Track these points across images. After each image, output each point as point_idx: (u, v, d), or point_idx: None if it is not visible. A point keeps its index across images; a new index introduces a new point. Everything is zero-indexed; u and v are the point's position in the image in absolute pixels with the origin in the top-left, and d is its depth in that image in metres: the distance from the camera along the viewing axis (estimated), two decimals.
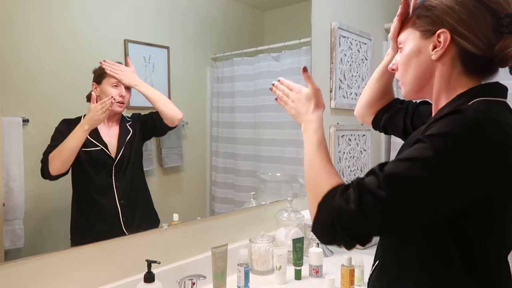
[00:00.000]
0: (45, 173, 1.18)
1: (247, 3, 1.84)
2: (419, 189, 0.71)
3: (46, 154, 1.19)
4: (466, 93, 0.83)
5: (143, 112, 1.44)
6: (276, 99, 1.13)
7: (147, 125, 1.44)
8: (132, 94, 1.39)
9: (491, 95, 0.82)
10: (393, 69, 0.99)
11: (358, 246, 0.77)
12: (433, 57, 0.86)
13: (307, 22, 2.09)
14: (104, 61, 1.30)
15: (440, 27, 0.84)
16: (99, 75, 1.30)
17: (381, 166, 0.77)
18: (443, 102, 0.88)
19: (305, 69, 1.04)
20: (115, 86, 1.33)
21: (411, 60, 0.90)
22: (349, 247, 0.78)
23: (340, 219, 0.75)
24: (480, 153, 0.72)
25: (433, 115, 0.92)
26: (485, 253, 0.79)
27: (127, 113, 1.41)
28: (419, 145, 0.74)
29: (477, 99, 0.80)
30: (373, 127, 1.25)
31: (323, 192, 0.81)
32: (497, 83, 0.85)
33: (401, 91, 0.97)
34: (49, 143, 1.19)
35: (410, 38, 0.90)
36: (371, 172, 0.77)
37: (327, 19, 2.20)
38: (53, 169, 1.20)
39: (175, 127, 1.47)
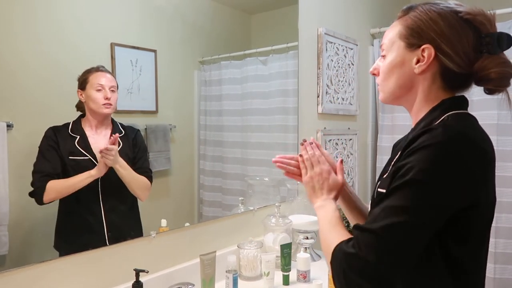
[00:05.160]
0: (38, 199, 1.18)
1: (234, 6, 1.83)
2: (407, 216, 0.75)
3: (39, 177, 1.18)
4: (439, 106, 0.87)
5: (130, 117, 1.42)
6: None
7: (133, 151, 1.42)
8: (120, 97, 1.37)
9: (460, 107, 0.87)
10: (373, 74, 0.99)
11: None
12: (416, 71, 0.88)
13: (294, 26, 2.09)
14: (101, 151, 1.30)
15: (425, 42, 0.86)
16: (83, 81, 1.27)
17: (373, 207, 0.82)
18: (422, 115, 0.91)
19: (342, 161, 1.07)
20: (99, 90, 1.30)
21: (394, 70, 0.91)
22: None
23: (348, 266, 0.77)
24: (458, 173, 0.76)
25: (413, 125, 0.95)
26: (463, 264, 0.82)
27: (116, 117, 1.38)
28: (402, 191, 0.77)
29: (449, 113, 0.84)
30: None
31: (331, 249, 0.83)
32: (463, 96, 0.90)
33: (379, 95, 0.99)
34: (37, 157, 1.17)
35: (395, 48, 0.91)
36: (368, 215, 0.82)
37: (314, 24, 2.21)
38: (48, 199, 1.20)
39: None
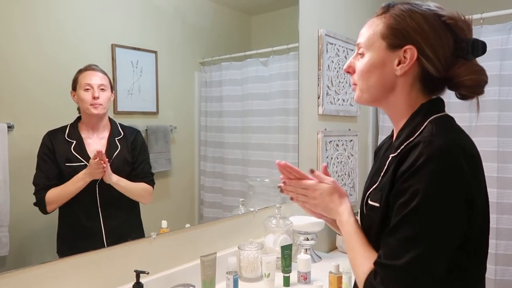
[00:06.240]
0: (42, 210, 1.19)
1: (234, 8, 1.83)
2: (424, 242, 0.75)
3: (37, 190, 1.18)
4: (419, 112, 0.87)
5: (131, 118, 1.41)
6: (291, 198, 1.07)
7: (132, 155, 1.40)
8: (120, 98, 1.36)
9: (438, 110, 0.87)
10: (348, 72, 0.96)
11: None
12: (398, 72, 0.87)
13: (294, 27, 2.09)
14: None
15: (408, 43, 0.85)
16: (73, 82, 1.25)
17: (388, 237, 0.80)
18: (403, 121, 0.90)
19: (312, 171, 1.01)
20: (87, 89, 1.26)
21: (374, 70, 0.89)
22: None
23: None
24: (459, 184, 0.76)
25: (395, 133, 0.93)
26: (462, 266, 0.82)
27: (116, 119, 1.38)
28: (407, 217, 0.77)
29: (431, 118, 0.84)
30: None
31: (360, 278, 0.84)
32: (439, 97, 0.90)
33: (355, 95, 0.95)
34: (36, 167, 1.17)
35: (375, 47, 0.89)
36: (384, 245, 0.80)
37: (314, 25, 2.21)
38: (51, 209, 1.21)
39: None
